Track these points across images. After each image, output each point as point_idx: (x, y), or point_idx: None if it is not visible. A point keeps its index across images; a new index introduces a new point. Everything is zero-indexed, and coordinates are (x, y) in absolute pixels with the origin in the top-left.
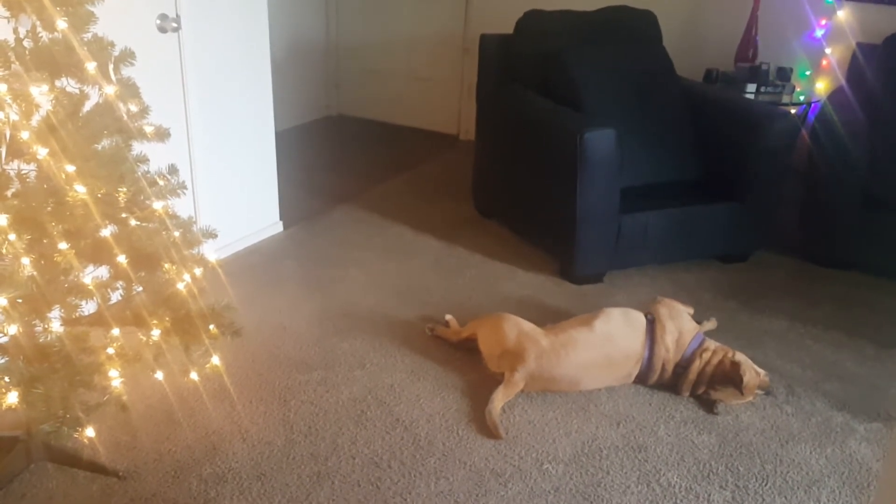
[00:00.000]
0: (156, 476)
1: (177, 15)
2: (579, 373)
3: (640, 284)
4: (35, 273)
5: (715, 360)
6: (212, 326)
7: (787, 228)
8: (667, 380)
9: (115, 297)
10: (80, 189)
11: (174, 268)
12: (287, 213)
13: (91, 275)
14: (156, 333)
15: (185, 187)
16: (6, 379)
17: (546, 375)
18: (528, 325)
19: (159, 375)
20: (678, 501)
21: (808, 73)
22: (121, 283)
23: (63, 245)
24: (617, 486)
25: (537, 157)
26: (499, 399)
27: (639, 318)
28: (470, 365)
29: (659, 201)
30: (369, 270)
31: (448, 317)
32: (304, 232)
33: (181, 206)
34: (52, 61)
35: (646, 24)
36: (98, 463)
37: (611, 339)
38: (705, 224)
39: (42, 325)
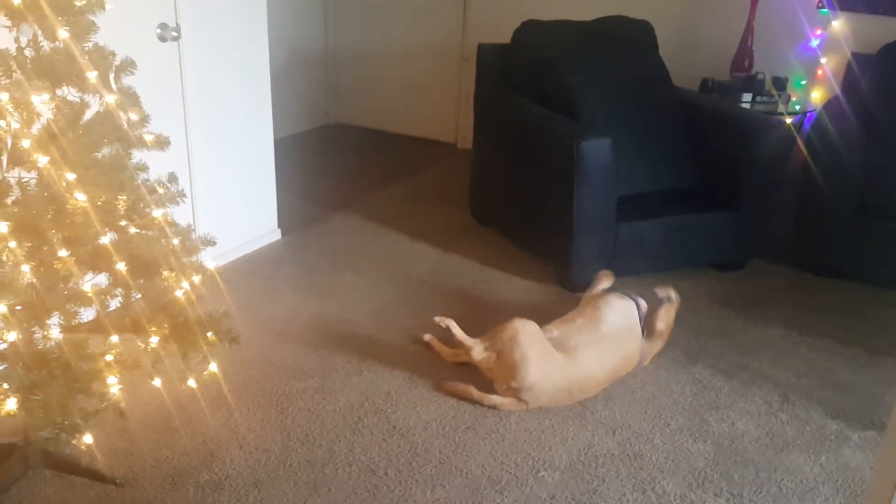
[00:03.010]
0: (153, 483)
1: (177, 24)
2: (589, 389)
3: (636, 293)
4: (35, 280)
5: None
6: (210, 333)
7: (783, 237)
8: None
9: (114, 304)
10: (80, 197)
11: (173, 275)
12: (285, 220)
13: (90, 282)
14: (154, 340)
15: (185, 195)
16: (5, 385)
17: (556, 401)
18: (544, 359)
19: (157, 382)
20: None
21: (803, 82)
22: (120, 290)
23: (63, 252)
24: (612, 493)
25: (534, 166)
26: (485, 400)
27: (636, 327)
28: (467, 373)
29: (655, 210)
30: (366, 277)
31: (427, 337)
32: (301, 239)
33: (180, 214)
34: (53, 70)
35: (642, 33)
36: (96, 470)
37: (620, 364)
38: (701, 233)
39: (41, 332)
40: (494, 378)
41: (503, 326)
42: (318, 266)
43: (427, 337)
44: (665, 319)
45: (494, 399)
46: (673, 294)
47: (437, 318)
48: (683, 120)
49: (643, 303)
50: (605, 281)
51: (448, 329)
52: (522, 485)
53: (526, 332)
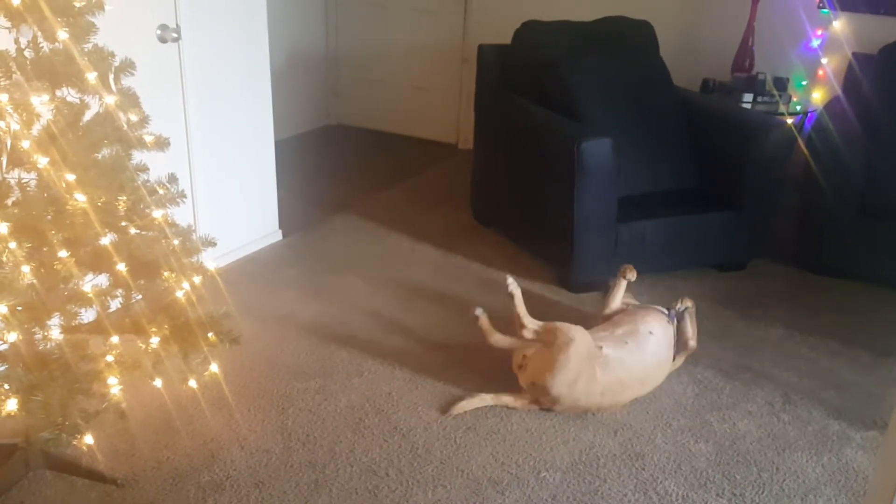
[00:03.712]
0: (154, 484)
1: (177, 25)
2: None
3: (638, 293)
4: (35, 281)
5: None
6: (210, 334)
7: (784, 237)
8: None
9: (115, 304)
10: (80, 198)
11: (173, 276)
12: (286, 221)
13: (91, 283)
14: (155, 341)
15: (185, 196)
16: (6, 386)
17: (580, 411)
18: (583, 385)
19: (158, 383)
20: None
21: (804, 82)
22: (120, 291)
23: (63, 253)
24: (614, 494)
25: (535, 166)
26: (497, 401)
27: (671, 352)
28: (468, 373)
29: (656, 210)
30: (368, 279)
31: (515, 290)
32: (302, 240)
33: (181, 215)
34: (53, 71)
35: (643, 34)
36: (96, 471)
37: (647, 391)
38: (702, 233)
39: (42, 332)
40: (526, 367)
41: (563, 328)
42: (320, 267)
43: (479, 311)
44: (693, 333)
45: (506, 399)
46: (689, 302)
47: (509, 279)
48: (684, 120)
49: (675, 321)
50: (629, 274)
51: (512, 296)
52: (524, 485)
53: (579, 346)
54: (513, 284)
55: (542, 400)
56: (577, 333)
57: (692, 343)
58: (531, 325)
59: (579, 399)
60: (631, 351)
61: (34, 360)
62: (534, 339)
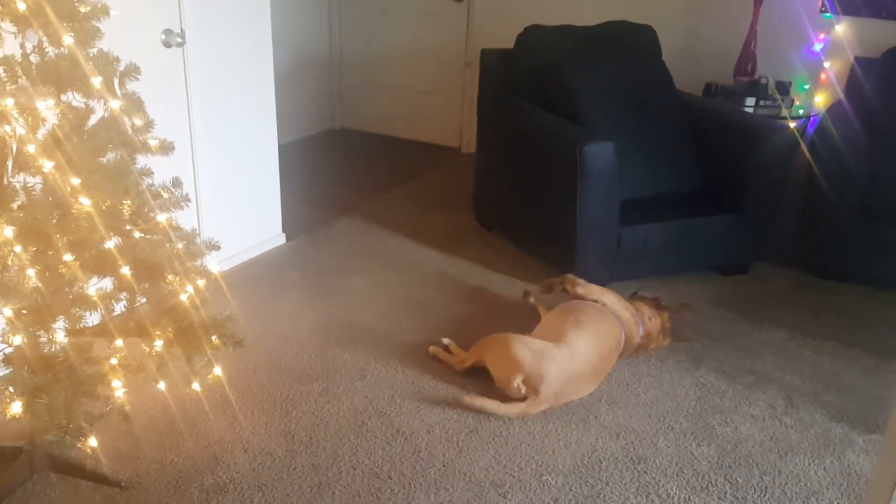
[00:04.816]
0: (158, 486)
1: (181, 30)
2: (591, 374)
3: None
4: (40, 284)
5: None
6: (214, 337)
7: (787, 240)
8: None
9: (119, 308)
10: (85, 201)
11: (177, 279)
12: (290, 224)
13: (95, 286)
14: (159, 344)
15: (189, 200)
16: (10, 389)
17: (568, 389)
18: (536, 343)
19: (162, 386)
20: None
21: (806, 86)
22: (124, 294)
23: (68, 257)
24: (616, 497)
25: (538, 170)
26: (506, 412)
27: (607, 313)
28: (471, 377)
29: (659, 213)
30: (371, 282)
31: (446, 341)
32: (306, 243)
33: (185, 219)
34: (58, 76)
35: (645, 38)
36: (101, 473)
37: (607, 331)
38: (705, 236)
39: (46, 335)
40: (502, 386)
41: (478, 342)
42: (323, 270)
43: (432, 349)
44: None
45: (510, 409)
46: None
47: (431, 350)
48: (687, 124)
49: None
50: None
51: (435, 355)
52: (526, 488)
53: (498, 335)
54: (431, 349)
55: (541, 388)
56: (490, 335)
57: (578, 289)
58: (462, 353)
59: (557, 359)
60: (549, 320)
61: (39, 362)
62: (471, 358)
